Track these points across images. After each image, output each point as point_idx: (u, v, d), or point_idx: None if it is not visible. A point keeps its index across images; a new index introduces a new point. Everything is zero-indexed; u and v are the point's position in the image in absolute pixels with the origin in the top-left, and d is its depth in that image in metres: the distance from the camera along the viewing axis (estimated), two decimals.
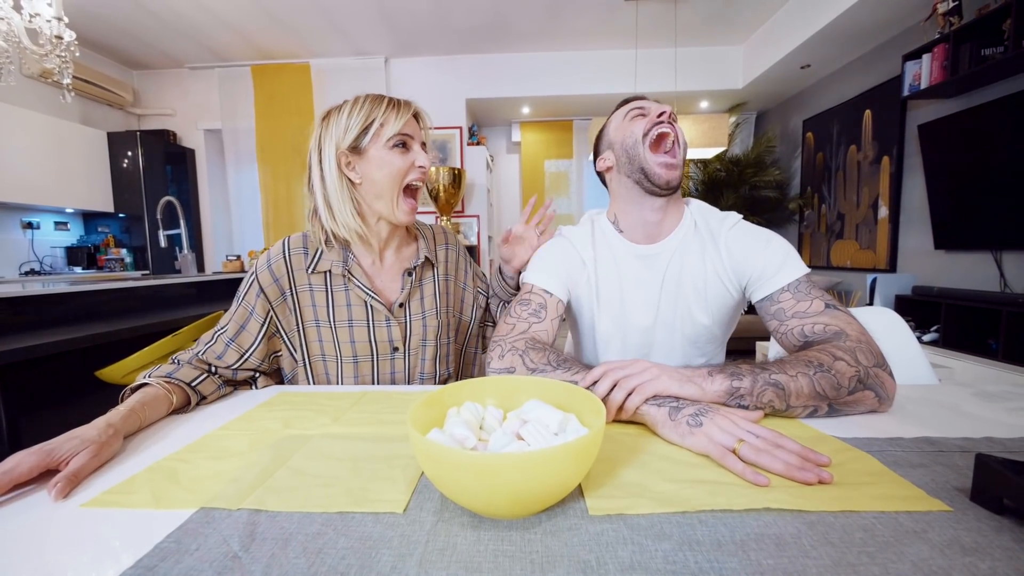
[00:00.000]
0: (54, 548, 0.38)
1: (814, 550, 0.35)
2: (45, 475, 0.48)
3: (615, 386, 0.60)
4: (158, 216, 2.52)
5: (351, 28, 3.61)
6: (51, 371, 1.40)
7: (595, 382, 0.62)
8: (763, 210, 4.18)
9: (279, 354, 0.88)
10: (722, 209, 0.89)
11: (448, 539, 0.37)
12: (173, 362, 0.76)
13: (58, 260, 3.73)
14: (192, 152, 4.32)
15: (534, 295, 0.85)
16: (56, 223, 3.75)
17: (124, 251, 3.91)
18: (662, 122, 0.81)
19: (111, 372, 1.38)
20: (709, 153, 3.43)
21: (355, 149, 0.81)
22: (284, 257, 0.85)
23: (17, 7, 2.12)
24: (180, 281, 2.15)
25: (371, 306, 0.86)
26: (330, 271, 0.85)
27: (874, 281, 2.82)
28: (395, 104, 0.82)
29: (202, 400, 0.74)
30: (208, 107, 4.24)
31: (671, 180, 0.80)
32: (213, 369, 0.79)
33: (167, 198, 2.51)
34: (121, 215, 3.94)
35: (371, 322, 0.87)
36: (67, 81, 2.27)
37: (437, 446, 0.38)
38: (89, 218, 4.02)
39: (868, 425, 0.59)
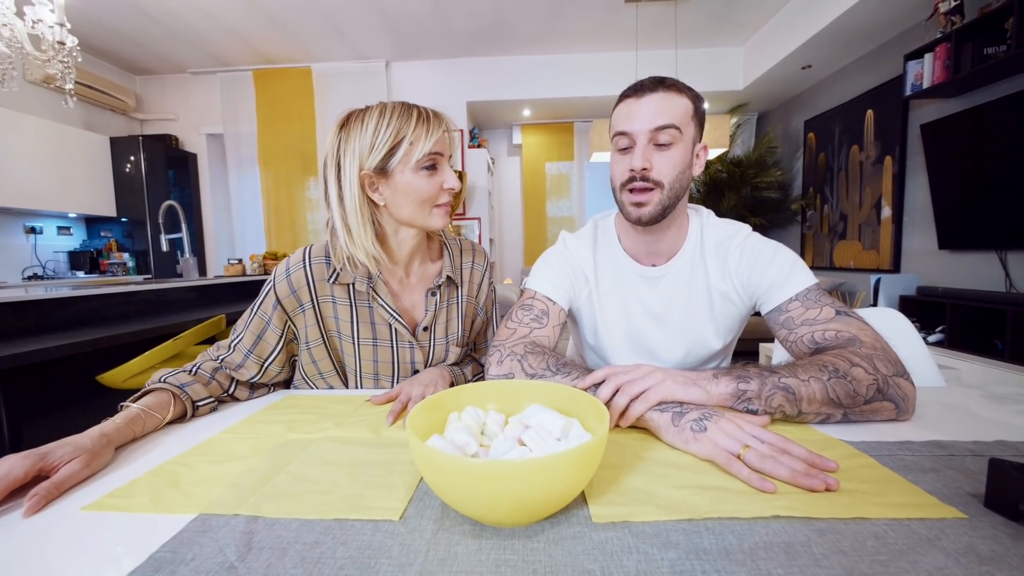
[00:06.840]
0: (53, 553, 0.37)
1: (825, 559, 0.34)
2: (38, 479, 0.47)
3: (617, 391, 0.59)
4: (160, 220, 2.52)
5: (352, 32, 3.62)
6: (53, 375, 1.40)
7: (596, 385, 0.61)
8: (765, 211, 4.16)
9: (297, 358, 0.87)
10: (724, 210, 0.89)
11: (449, 548, 0.37)
12: (190, 371, 0.73)
13: (61, 265, 3.74)
14: (194, 156, 4.34)
15: (537, 301, 0.84)
16: (59, 228, 3.77)
17: (126, 255, 3.92)
18: (635, 180, 0.76)
19: (113, 376, 1.38)
20: (710, 154, 3.42)
21: (381, 171, 0.73)
22: (305, 267, 0.80)
23: (20, 13, 2.13)
24: (182, 285, 2.16)
25: (395, 328, 0.83)
26: (354, 285, 0.80)
27: (878, 282, 2.80)
28: (425, 119, 0.74)
29: (194, 414, 0.70)
30: (210, 112, 4.26)
31: (641, 218, 0.78)
32: (231, 389, 0.77)
33: (169, 202, 2.52)
34: (123, 220, 3.96)
35: (395, 344, 0.84)
36: (69, 86, 2.28)
37: (437, 453, 0.38)
38: (92, 223, 4.03)
39: (877, 429, 0.57)
